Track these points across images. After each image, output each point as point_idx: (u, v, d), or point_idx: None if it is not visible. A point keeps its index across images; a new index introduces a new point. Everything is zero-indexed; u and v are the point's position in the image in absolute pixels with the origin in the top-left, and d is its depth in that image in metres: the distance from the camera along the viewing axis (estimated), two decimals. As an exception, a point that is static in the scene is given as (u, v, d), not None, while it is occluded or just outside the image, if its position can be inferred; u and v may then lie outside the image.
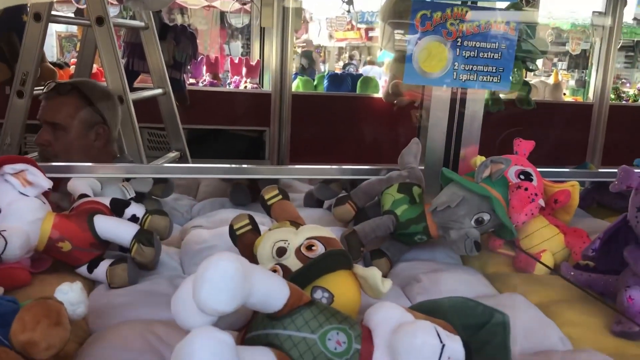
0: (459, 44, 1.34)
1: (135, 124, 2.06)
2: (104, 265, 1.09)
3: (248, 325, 0.74)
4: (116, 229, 1.11)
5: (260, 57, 4.67)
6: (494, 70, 1.37)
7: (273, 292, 0.68)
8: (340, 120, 3.64)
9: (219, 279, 0.62)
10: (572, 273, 1.22)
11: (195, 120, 3.38)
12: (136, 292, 1.06)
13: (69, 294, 0.86)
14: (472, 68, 1.36)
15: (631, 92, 5.93)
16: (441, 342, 0.64)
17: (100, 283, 1.11)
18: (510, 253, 1.36)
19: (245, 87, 4.47)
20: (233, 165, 1.53)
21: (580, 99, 4.99)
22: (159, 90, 2.57)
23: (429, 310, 0.76)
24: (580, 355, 0.92)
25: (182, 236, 1.36)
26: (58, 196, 1.34)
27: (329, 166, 1.51)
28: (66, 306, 0.83)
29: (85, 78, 2.38)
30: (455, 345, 0.65)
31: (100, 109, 1.73)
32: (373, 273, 0.87)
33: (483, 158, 1.29)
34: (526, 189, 1.26)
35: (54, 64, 3.38)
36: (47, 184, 1.06)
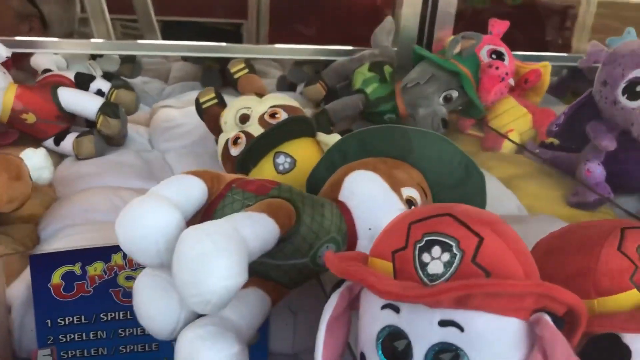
0: None
1: (105, 11, 1.98)
2: (70, 138, 1.09)
3: None
4: (81, 101, 1.10)
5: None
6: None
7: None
8: (326, 13, 3.51)
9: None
10: (537, 150, 1.25)
11: (167, 11, 3.25)
12: (103, 162, 1.06)
13: (33, 159, 0.87)
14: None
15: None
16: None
17: (67, 156, 1.12)
18: (478, 134, 1.38)
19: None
20: (205, 43, 1.48)
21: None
22: (130, -25, 2.45)
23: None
24: (532, 219, 0.96)
25: (151, 116, 1.35)
26: (20, 74, 1.31)
27: (300, 46, 1.47)
28: (31, 171, 0.84)
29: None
30: None
31: (37, 2, 1.53)
32: (336, 139, 0.88)
33: (456, 37, 1.26)
34: (497, 68, 1.26)
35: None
36: (6, 52, 1.03)
